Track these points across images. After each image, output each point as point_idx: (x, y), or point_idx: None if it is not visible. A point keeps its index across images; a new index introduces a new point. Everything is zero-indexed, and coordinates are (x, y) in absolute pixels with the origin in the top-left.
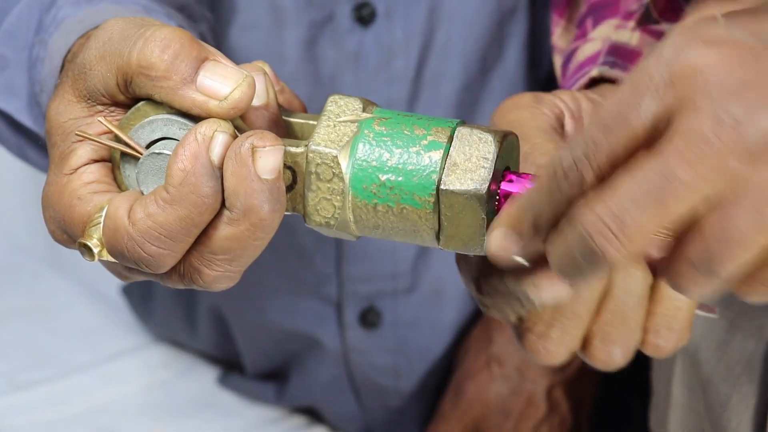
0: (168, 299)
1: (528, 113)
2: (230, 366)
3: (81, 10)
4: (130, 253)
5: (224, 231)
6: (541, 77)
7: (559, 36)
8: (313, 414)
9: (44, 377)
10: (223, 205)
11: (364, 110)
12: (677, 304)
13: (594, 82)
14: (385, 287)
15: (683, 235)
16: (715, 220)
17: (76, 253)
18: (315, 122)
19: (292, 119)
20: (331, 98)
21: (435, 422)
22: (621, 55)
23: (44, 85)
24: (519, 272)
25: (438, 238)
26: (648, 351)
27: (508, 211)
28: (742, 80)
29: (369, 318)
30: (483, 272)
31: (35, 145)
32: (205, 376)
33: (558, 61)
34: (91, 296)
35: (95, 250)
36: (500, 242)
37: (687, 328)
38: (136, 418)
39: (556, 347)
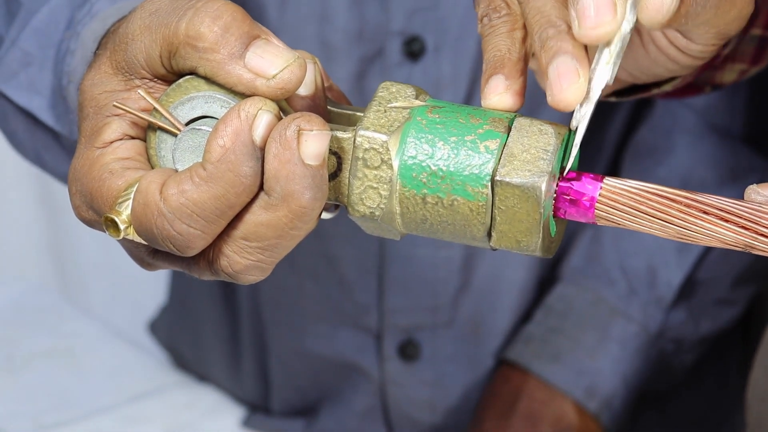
0: (211, 323)
1: None
2: (255, 408)
3: (118, 2)
4: (159, 230)
5: (260, 216)
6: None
7: None
8: None
9: (68, 419)
10: (261, 189)
11: (416, 98)
12: None
13: None
14: (425, 320)
15: None
16: None
17: (97, 292)
18: (363, 114)
19: (338, 110)
20: (382, 84)
21: None
22: None
23: (73, 75)
24: None
25: (489, 235)
26: None
27: None
28: None
29: (408, 350)
30: None
31: (54, 146)
32: (229, 416)
33: None
34: (114, 337)
35: (122, 227)
36: None
37: None
38: None
39: None
